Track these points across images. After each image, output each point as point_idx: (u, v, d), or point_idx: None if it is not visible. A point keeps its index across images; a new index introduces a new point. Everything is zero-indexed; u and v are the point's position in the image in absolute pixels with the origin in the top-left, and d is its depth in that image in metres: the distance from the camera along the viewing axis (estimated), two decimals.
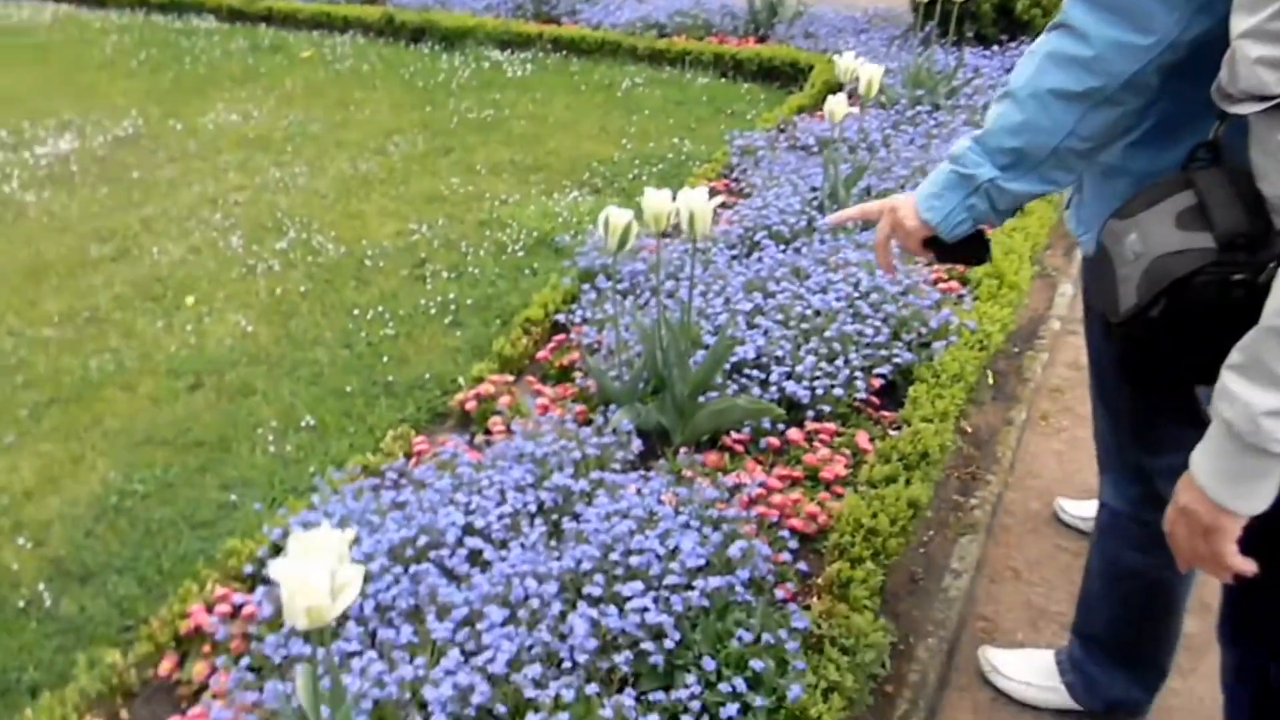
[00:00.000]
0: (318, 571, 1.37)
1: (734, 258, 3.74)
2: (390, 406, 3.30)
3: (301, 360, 3.62)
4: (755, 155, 4.80)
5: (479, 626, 2.00)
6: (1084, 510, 2.76)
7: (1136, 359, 1.40)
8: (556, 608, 2.03)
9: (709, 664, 1.93)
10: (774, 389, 2.89)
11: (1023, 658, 2.30)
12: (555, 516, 2.39)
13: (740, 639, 1.98)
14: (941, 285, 3.49)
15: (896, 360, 3.02)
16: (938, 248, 1.60)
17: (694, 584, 2.07)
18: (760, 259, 3.58)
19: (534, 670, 1.88)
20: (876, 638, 2.08)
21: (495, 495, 2.41)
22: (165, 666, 2.18)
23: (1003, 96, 1.48)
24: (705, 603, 2.05)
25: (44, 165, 5.66)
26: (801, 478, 2.67)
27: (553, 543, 2.29)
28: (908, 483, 2.47)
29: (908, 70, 5.45)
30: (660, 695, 1.90)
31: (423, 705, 1.87)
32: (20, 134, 6.17)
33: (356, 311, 3.93)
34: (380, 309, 3.93)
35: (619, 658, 1.94)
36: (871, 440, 2.78)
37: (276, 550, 2.38)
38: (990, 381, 3.31)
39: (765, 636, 1.99)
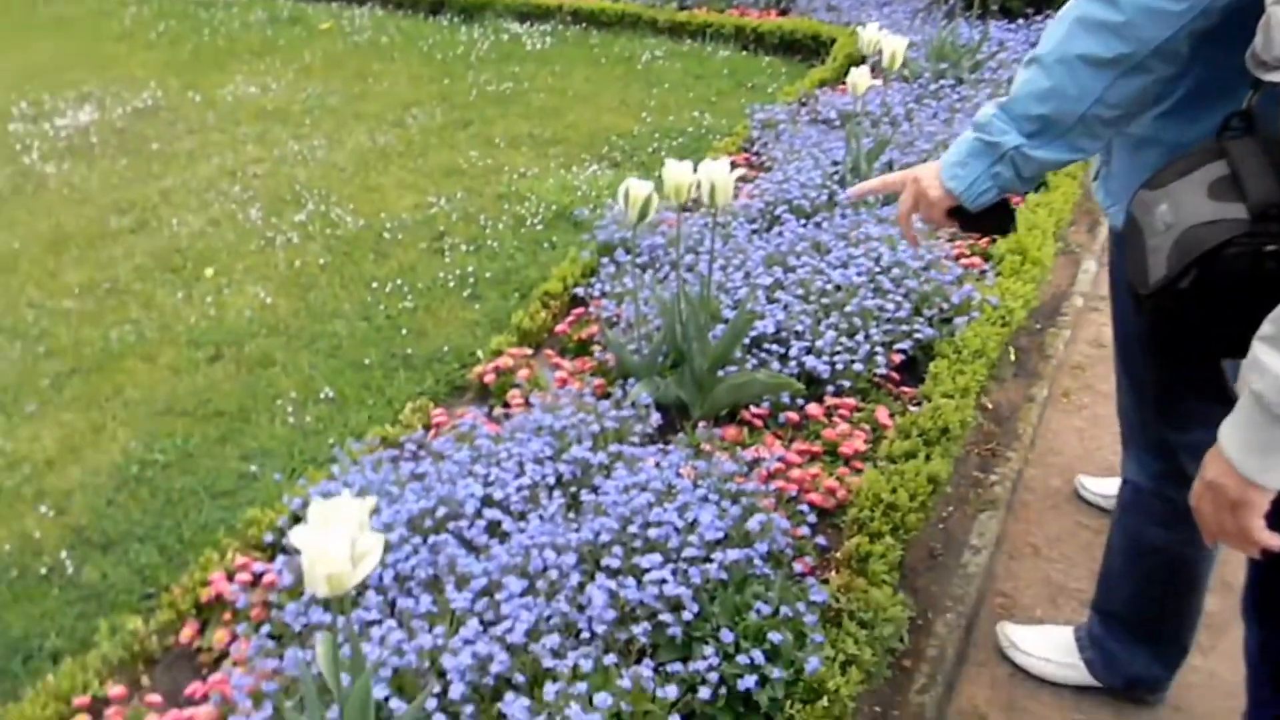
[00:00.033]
0: (338, 539, 1.37)
1: (754, 232, 3.71)
2: (409, 379, 3.30)
3: (320, 332, 3.63)
4: (776, 129, 4.76)
5: (498, 597, 2.01)
6: (1105, 488, 2.74)
7: (1165, 331, 1.38)
8: (575, 579, 2.03)
9: (727, 636, 1.93)
10: (793, 364, 2.88)
11: (1042, 634, 2.29)
12: (574, 489, 2.39)
13: (758, 612, 1.98)
14: (964, 261, 3.47)
15: (917, 336, 3.00)
16: (962, 218, 1.58)
17: (712, 557, 2.07)
18: (781, 233, 3.56)
19: (552, 640, 1.89)
20: (895, 612, 2.08)
21: (514, 467, 2.41)
22: (186, 634, 2.20)
23: (1029, 62, 1.45)
24: (723, 575, 2.05)
25: (64, 137, 5.67)
26: (820, 453, 2.66)
27: (571, 515, 2.29)
28: (928, 458, 2.46)
29: (931, 43, 5.39)
30: (678, 666, 1.90)
31: (441, 674, 1.88)
32: (40, 106, 6.18)
33: (375, 284, 3.93)
34: (399, 282, 3.93)
35: (637, 629, 1.94)
36: (891, 416, 2.76)
37: (296, 520, 2.39)
38: (1012, 358, 3.29)
39: (783, 610, 1.99)
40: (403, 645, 1.91)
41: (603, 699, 1.76)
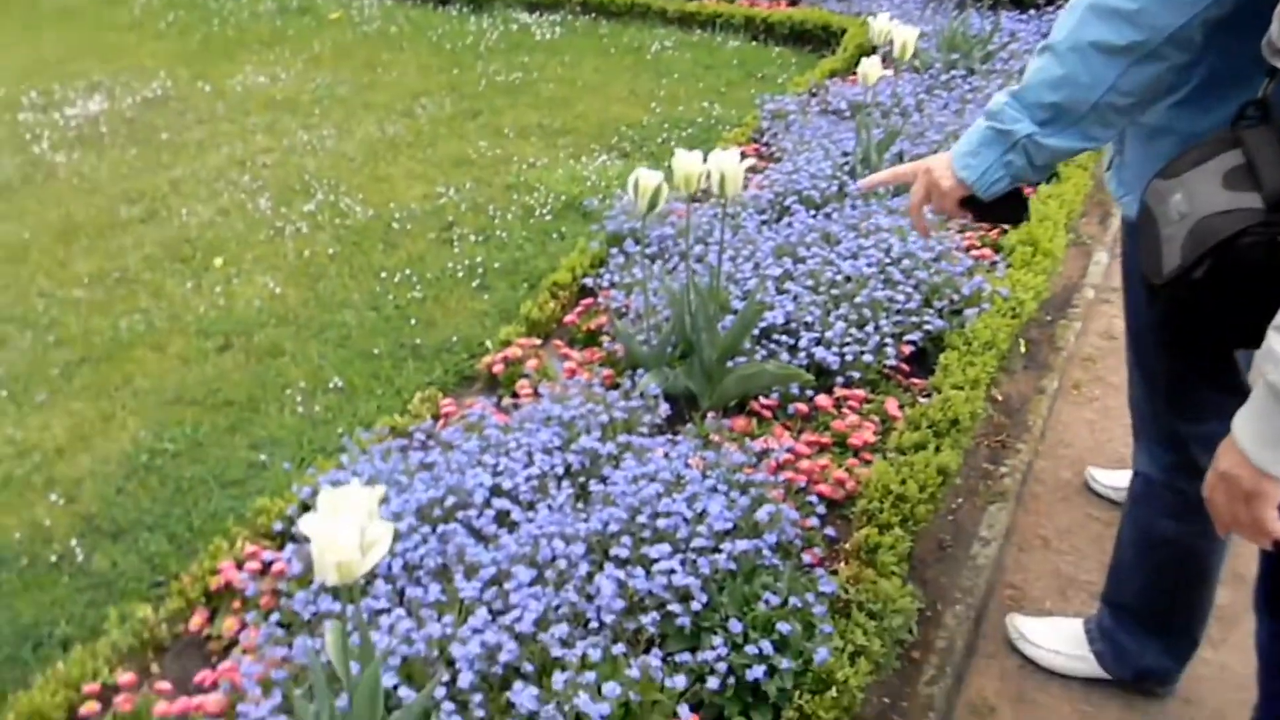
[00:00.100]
0: (348, 527, 1.37)
1: (764, 223, 3.71)
2: (418, 369, 3.30)
3: (329, 322, 3.63)
4: (786, 119, 4.74)
5: (506, 586, 2.01)
6: (1115, 480, 2.73)
7: (1178, 322, 1.38)
8: (584, 569, 2.03)
9: (736, 626, 1.93)
10: (803, 355, 2.87)
11: (1051, 626, 2.28)
12: (582, 479, 2.39)
13: (767, 602, 1.98)
14: (974, 252, 3.45)
15: (927, 327, 2.99)
16: (975, 208, 1.57)
17: (721, 547, 2.07)
18: (790, 224, 3.55)
19: (561, 630, 1.89)
20: (904, 603, 2.08)
21: (523, 457, 2.41)
22: (196, 622, 2.21)
23: (1042, 50, 1.44)
24: (732, 566, 2.05)
25: (73, 127, 5.68)
26: (830, 444, 2.65)
27: (580, 505, 2.29)
28: (937, 450, 2.45)
29: (943, 33, 5.36)
30: (687, 656, 1.90)
31: (450, 662, 1.88)
32: (50, 95, 6.19)
33: (384, 274, 3.93)
34: (408, 272, 3.93)
35: (646, 619, 1.94)
36: (901, 407, 2.76)
37: (305, 509, 2.39)
38: (1022, 349, 3.27)
39: (792, 600, 1.99)
40: (412, 634, 1.91)
41: (611, 688, 1.76)
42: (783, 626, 1.92)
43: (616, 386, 2.81)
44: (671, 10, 7.21)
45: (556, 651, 1.86)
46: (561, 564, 2.04)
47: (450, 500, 2.27)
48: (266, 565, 2.28)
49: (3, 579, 2.55)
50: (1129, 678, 2.16)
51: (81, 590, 2.50)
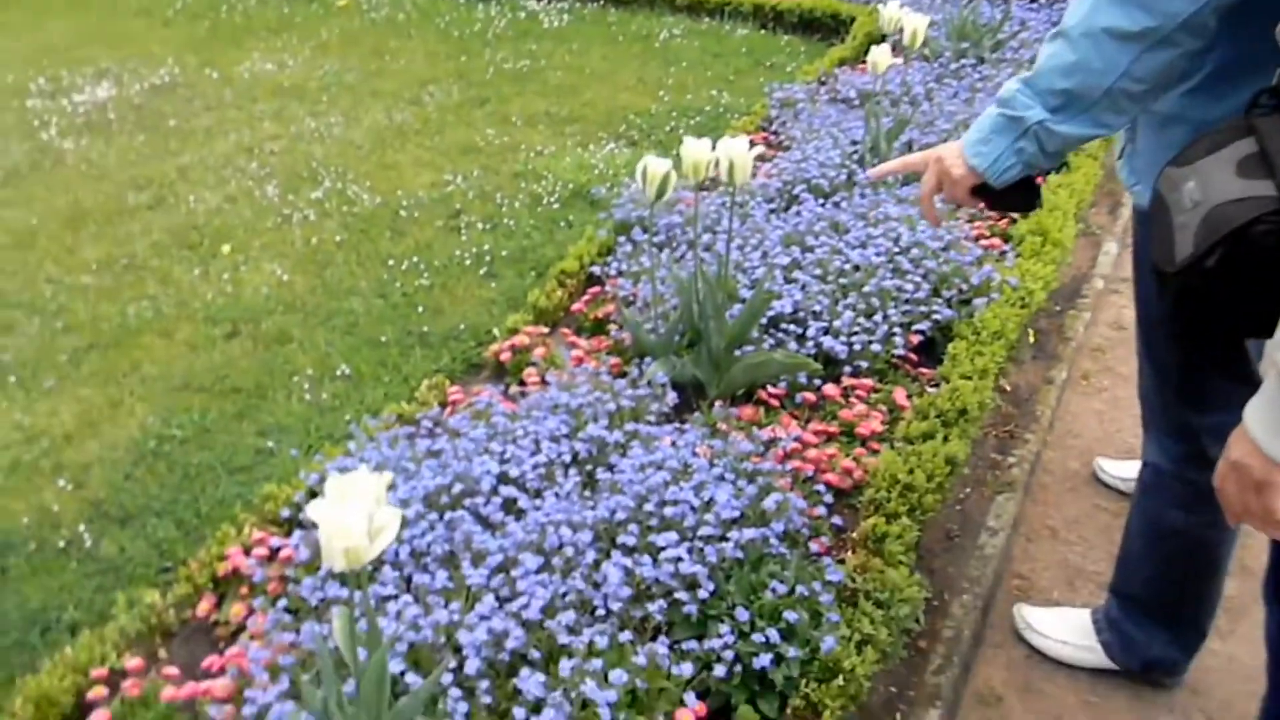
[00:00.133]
0: (355, 513, 1.37)
1: (772, 211, 3.69)
2: (425, 356, 3.30)
3: (337, 310, 3.63)
4: (795, 108, 4.72)
5: (513, 573, 2.01)
6: (1124, 470, 2.72)
7: (1190, 311, 1.36)
8: (591, 556, 2.03)
9: (743, 614, 1.93)
10: (811, 344, 2.87)
11: (1058, 616, 2.28)
12: (590, 467, 2.38)
13: (774, 591, 1.98)
14: (983, 242, 3.44)
15: (936, 317, 2.98)
16: (987, 196, 1.56)
17: (728, 536, 2.06)
18: (799, 213, 3.53)
19: (568, 617, 1.89)
20: (911, 592, 2.07)
21: (530, 445, 2.41)
22: (203, 607, 2.21)
23: (1054, 36, 1.43)
24: (739, 554, 2.04)
25: (82, 113, 5.68)
26: (837, 433, 2.65)
27: (587, 493, 2.29)
28: (945, 439, 2.45)
29: (953, 22, 5.33)
30: (693, 644, 1.90)
31: (457, 649, 1.88)
32: (58, 82, 6.19)
33: (392, 262, 3.92)
34: (415, 259, 3.93)
35: (652, 606, 1.94)
36: (909, 397, 2.75)
37: (313, 495, 2.39)
38: (1031, 340, 3.26)
39: (799, 589, 1.98)
40: (419, 620, 1.91)
41: (618, 675, 1.76)
42: (790, 615, 1.92)
43: (624, 375, 2.80)
44: None
45: (563, 639, 1.86)
46: (569, 551, 2.04)
47: (457, 487, 2.27)
48: (274, 551, 2.29)
49: (11, 564, 2.56)
50: (1136, 668, 2.15)
51: (89, 575, 2.51)
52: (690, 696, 1.82)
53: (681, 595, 1.95)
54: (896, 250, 3.18)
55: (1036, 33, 5.41)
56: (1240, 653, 2.22)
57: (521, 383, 2.91)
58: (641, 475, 2.22)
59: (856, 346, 2.84)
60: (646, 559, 2.01)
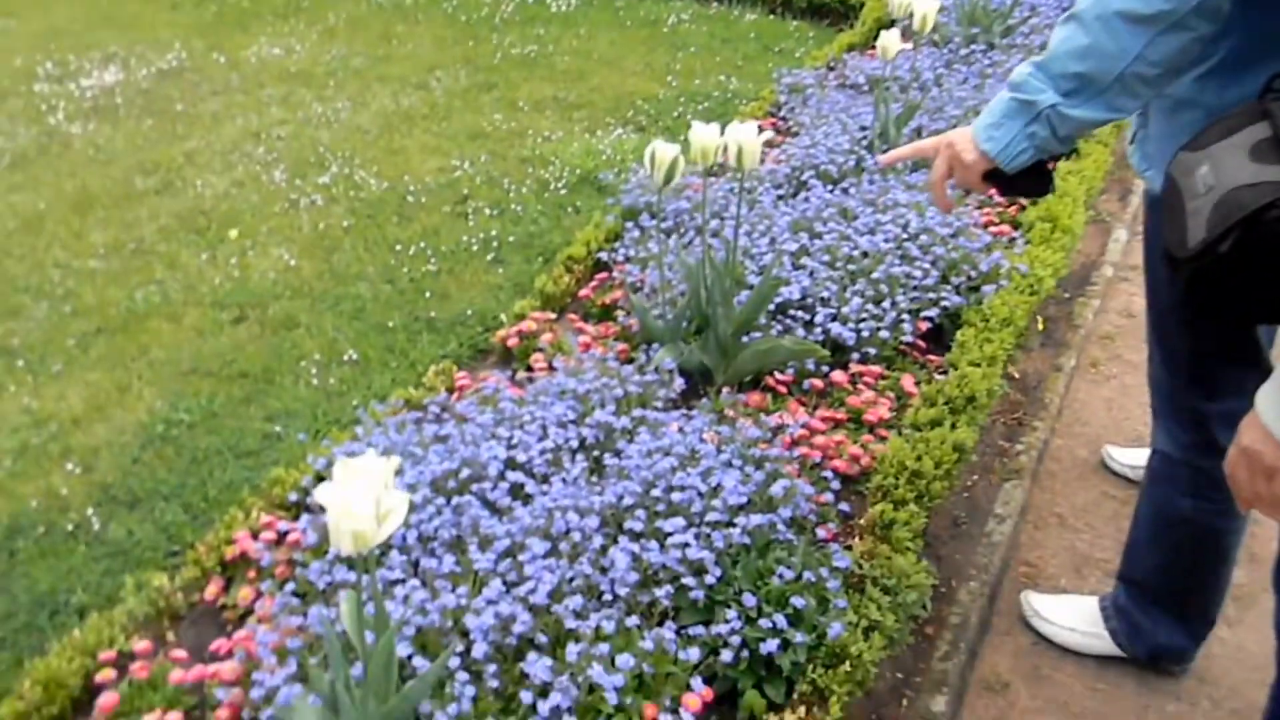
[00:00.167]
0: (363, 497, 1.37)
1: (780, 197, 3.68)
2: (432, 342, 3.30)
3: (344, 295, 3.63)
4: (804, 93, 4.70)
5: (520, 558, 2.01)
6: (1132, 458, 2.71)
7: (1202, 297, 1.36)
8: (598, 542, 2.03)
9: (749, 600, 1.93)
10: (819, 330, 2.86)
11: (1066, 603, 2.28)
12: (597, 453, 2.38)
13: (781, 576, 1.98)
14: (993, 228, 3.43)
15: (945, 303, 2.97)
16: (999, 181, 1.55)
17: (735, 521, 2.06)
18: (807, 199, 3.52)
19: (575, 602, 1.89)
20: (918, 579, 2.07)
21: (537, 430, 2.41)
22: (211, 590, 2.22)
23: (1067, 19, 1.42)
24: (746, 540, 2.04)
25: (89, 98, 5.67)
26: (845, 420, 2.64)
27: (594, 478, 2.29)
28: (953, 426, 2.44)
29: (963, 7, 5.30)
30: (700, 629, 1.90)
31: (464, 633, 1.89)
32: (66, 66, 6.18)
33: (399, 247, 3.92)
34: (422, 245, 3.92)
35: (659, 592, 1.94)
36: (917, 383, 2.74)
37: (320, 480, 2.39)
38: (1040, 327, 3.25)
39: (806, 575, 1.98)
40: (426, 604, 1.92)
41: (625, 660, 1.77)
42: (797, 601, 1.92)
43: (631, 361, 2.80)
44: None
45: (570, 623, 1.86)
46: (575, 537, 2.04)
47: (465, 472, 2.27)
48: (282, 535, 2.29)
49: (20, 547, 2.57)
50: (1144, 656, 2.15)
51: (98, 559, 2.52)
52: (697, 681, 1.82)
53: (688, 581, 1.95)
54: (905, 236, 3.16)
55: (1047, 18, 5.37)
56: (1248, 641, 2.22)
57: (529, 368, 2.90)
58: (649, 461, 2.22)
59: (865, 333, 2.83)
60: (654, 544, 2.01)
